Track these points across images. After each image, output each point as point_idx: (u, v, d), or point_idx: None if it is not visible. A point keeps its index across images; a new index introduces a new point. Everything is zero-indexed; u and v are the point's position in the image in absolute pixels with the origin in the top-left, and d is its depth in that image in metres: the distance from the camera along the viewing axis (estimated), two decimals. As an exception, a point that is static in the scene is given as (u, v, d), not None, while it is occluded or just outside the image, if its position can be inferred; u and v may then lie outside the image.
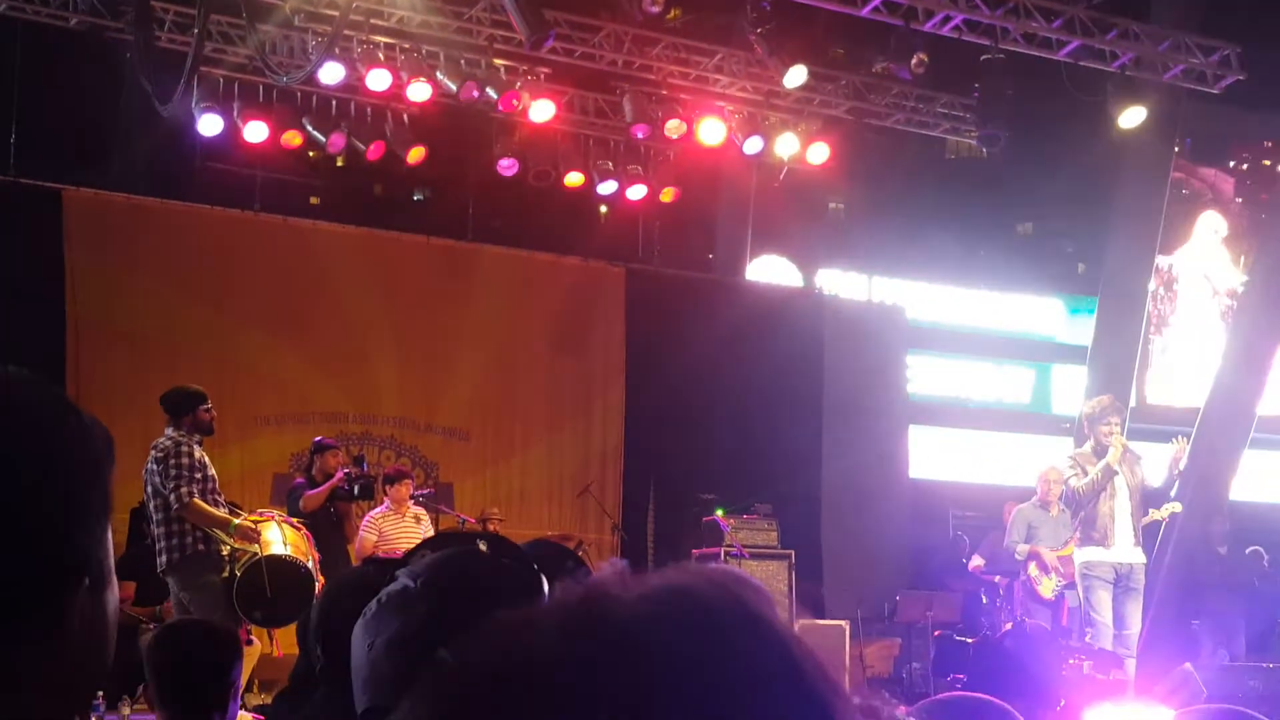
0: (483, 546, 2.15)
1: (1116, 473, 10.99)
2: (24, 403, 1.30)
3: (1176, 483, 11.55)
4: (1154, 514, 11.76)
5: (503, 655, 0.86)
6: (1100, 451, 11.08)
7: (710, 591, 0.89)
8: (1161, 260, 17.75)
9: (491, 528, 12.58)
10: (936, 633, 12.21)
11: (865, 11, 12.00)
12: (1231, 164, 18.96)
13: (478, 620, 0.85)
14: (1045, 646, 11.02)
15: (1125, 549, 11.05)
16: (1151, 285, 17.91)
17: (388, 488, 11.63)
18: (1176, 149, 17.46)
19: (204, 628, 4.52)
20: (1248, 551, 14.56)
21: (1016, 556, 11.98)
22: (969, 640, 12.32)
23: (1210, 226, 18.32)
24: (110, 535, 1.31)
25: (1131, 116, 13.00)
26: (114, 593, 1.32)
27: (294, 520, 9.27)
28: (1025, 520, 12.10)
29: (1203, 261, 18.27)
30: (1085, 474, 11.05)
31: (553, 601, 0.91)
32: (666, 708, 0.82)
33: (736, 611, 0.88)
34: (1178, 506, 11.95)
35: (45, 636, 1.22)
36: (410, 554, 2.22)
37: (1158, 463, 12.57)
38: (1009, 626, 12.01)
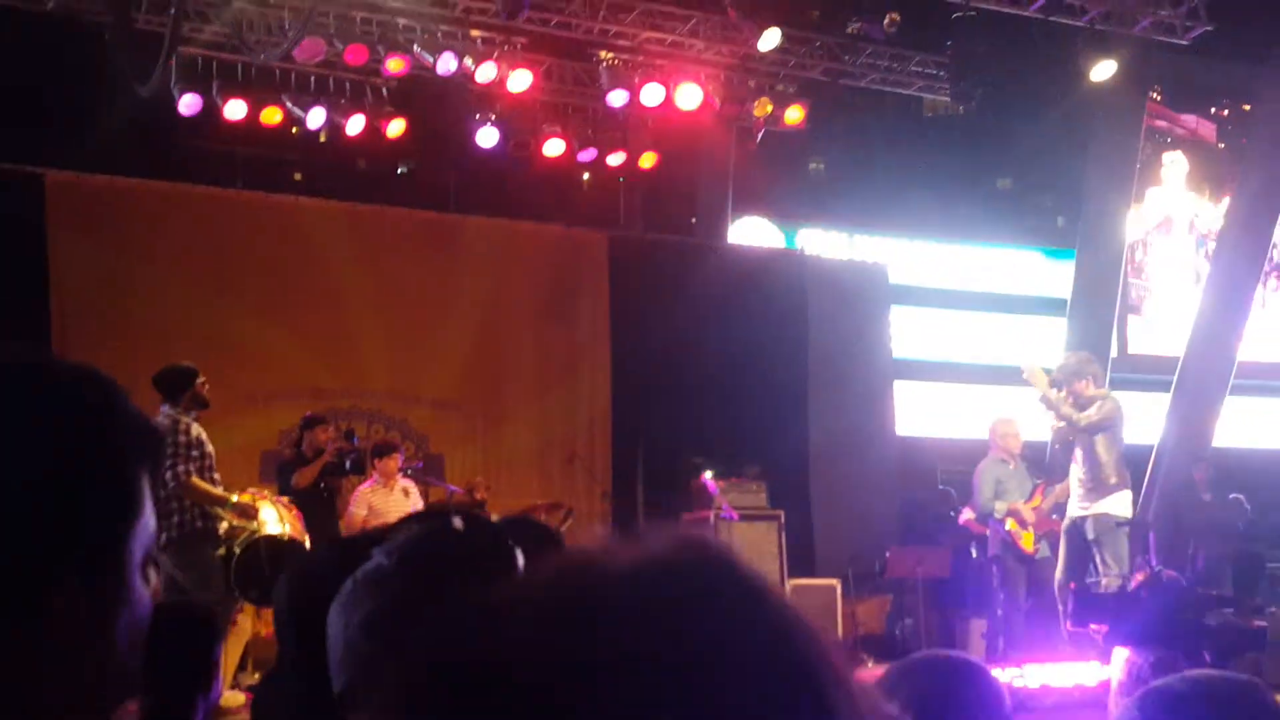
0: (458, 523, 2.22)
1: (1112, 425, 10.98)
2: (47, 385, 1.25)
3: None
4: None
5: (478, 645, 0.81)
6: (1079, 405, 11.06)
7: (699, 564, 0.84)
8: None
9: (479, 497, 12.68)
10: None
11: (837, -28, 12.06)
12: (1213, 110, 19.05)
13: (451, 597, 0.87)
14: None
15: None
16: (1139, 234, 18.05)
17: (376, 461, 11.69)
18: (1157, 96, 17.52)
19: (183, 608, 4.58)
20: (1230, 498, 14.65)
21: (995, 516, 11.88)
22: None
23: (1173, 164, 18.43)
24: (142, 538, 1.28)
25: (1103, 70, 13.06)
26: (134, 599, 1.27)
27: (284, 499, 9.37)
28: (993, 476, 11.98)
29: (1173, 202, 18.37)
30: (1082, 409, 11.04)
31: (532, 578, 0.86)
32: (658, 693, 0.78)
33: (730, 585, 0.84)
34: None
35: (14, 630, 1.17)
36: (383, 532, 2.28)
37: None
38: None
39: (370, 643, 2.00)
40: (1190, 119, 18.65)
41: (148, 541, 1.30)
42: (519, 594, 0.85)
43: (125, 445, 1.28)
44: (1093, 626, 11.22)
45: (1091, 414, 10.98)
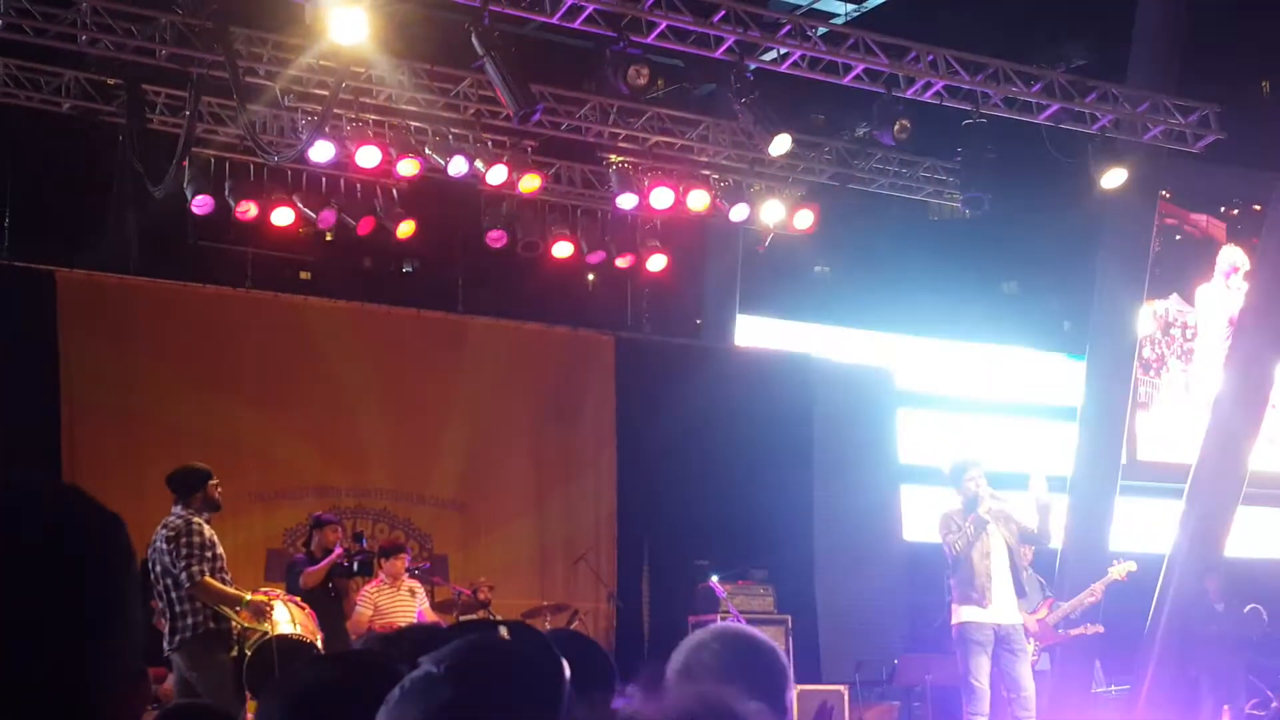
0: (505, 633, 2.19)
1: (988, 523, 10.59)
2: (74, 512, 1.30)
3: (1048, 526, 11.12)
4: (1111, 573, 11.62)
5: None
6: (968, 505, 10.71)
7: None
8: (1175, 306, 18.09)
9: (481, 597, 12.63)
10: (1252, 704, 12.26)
11: (848, 80, 12.13)
12: (1222, 209, 19.20)
13: (499, 707, 0.85)
14: None
15: (1004, 609, 10.62)
16: (1150, 329, 18.17)
17: (382, 561, 11.65)
18: (1166, 195, 17.63)
19: (205, 711, 4.52)
20: (1246, 610, 14.47)
21: None
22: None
23: (1230, 261, 18.68)
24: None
25: (1113, 177, 13.08)
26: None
27: (297, 599, 9.30)
28: None
29: (1226, 301, 18.51)
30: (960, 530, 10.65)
31: None
32: None
33: None
34: (1132, 565, 11.74)
35: None
36: (398, 636, 2.25)
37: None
38: None
39: (417, 751, 1.97)
40: (1201, 219, 18.82)
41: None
42: None
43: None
44: None
45: (959, 541, 10.67)
